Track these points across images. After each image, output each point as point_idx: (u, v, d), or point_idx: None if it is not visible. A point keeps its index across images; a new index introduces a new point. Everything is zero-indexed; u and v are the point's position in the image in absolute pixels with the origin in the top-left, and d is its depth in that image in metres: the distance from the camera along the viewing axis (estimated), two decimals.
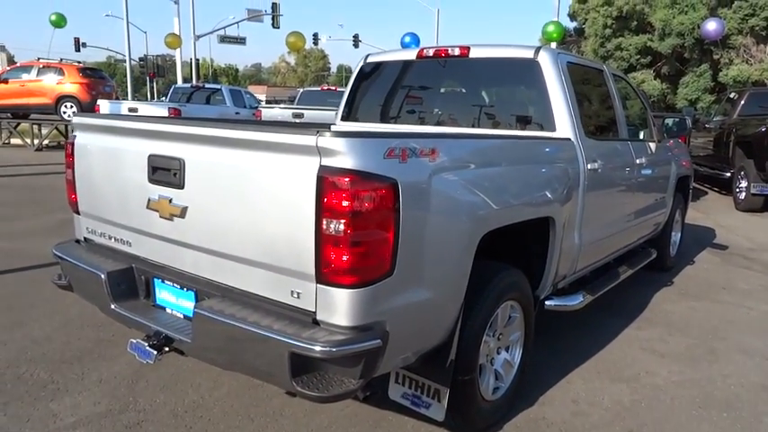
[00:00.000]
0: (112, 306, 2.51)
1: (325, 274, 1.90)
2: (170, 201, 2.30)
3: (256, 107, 15.00)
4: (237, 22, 29.88)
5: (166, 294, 2.49)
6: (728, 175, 9.32)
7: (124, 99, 20.78)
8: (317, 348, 1.85)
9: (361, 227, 1.86)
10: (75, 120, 2.79)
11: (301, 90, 15.36)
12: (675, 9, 19.75)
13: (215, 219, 2.18)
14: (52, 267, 4.95)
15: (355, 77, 4.22)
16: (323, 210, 1.85)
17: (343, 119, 4.28)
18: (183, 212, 2.26)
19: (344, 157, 1.84)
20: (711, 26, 14.65)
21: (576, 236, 3.24)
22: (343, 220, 1.84)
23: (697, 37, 18.77)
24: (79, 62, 15.97)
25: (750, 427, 2.83)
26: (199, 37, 28.62)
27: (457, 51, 3.69)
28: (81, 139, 2.76)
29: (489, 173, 2.49)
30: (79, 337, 3.57)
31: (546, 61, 3.31)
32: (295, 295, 1.99)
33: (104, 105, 11.90)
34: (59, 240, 2.99)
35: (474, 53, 3.63)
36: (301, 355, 1.88)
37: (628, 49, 21.81)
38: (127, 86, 27.02)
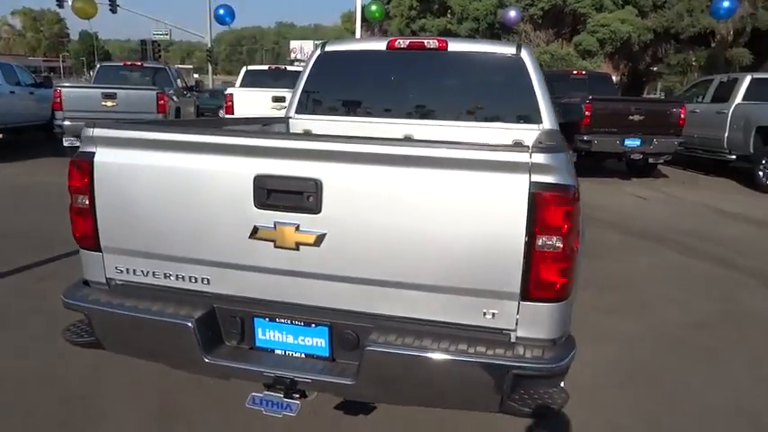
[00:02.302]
0: (207, 360, 2.06)
1: (532, 291, 1.87)
2: (296, 228, 1.97)
3: (35, 83, 12.48)
4: None
5: (275, 334, 2.13)
6: None
7: None
8: (542, 366, 1.84)
9: (569, 241, 1.87)
10: (97, 132, 2.13)
11: (99, 66, 13.22)
12: None
13: (369, 245, 1.94)
14: None
15: (312, 67, 3.93)
16: (537, 226, 1.82)
17: (298, 111, 3.98)
18: (318, 240, 1.96)
19: (555, 173, 1.82)
20: (512, 14, 17.04)
21: None
22: (557, 236, 1.83)
23: (490, 22, 21.45)
24: None
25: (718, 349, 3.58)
26: None
27: (434, 44, 3.71)
28: (105, 157, 2.14)
29: None
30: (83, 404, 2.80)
31: (527, 57, 3.55)
32: (489, 315, 1.92)
33: None
34: None
35: (453, 47, 3.70)
36: (522, 375, 1.85)
37: (431, 31, 24.03)
38: None
